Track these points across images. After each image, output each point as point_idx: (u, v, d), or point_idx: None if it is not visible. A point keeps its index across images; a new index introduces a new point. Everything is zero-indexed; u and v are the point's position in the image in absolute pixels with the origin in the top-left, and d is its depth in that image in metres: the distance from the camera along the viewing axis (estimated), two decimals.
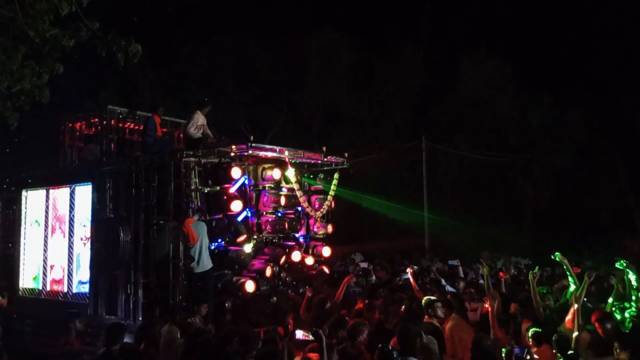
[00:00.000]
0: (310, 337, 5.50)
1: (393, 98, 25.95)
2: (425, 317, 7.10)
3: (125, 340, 6.50)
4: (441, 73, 25.20)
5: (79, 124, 11.48)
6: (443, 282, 10.48)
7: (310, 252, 10.38)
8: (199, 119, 9.98)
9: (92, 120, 11.24)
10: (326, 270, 10.27)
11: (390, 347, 5.47)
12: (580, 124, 23.50)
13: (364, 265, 13.08)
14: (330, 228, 10.64)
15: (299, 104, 26.13)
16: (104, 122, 10.59)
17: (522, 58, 24.14)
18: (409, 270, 9.52)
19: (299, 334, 5.82)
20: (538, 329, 6.30)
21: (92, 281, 9.66)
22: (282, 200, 9.93)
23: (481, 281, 9.90)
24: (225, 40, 25.17)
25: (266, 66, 25.15)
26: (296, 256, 9.77)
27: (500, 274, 9.74)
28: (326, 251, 10.44)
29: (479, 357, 5.70)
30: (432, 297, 7.56)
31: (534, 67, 24.16)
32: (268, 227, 9.59)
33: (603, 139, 23.22)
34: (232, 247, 9.37)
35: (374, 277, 11.85)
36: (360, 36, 25.86)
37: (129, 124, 11.02)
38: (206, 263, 8.53)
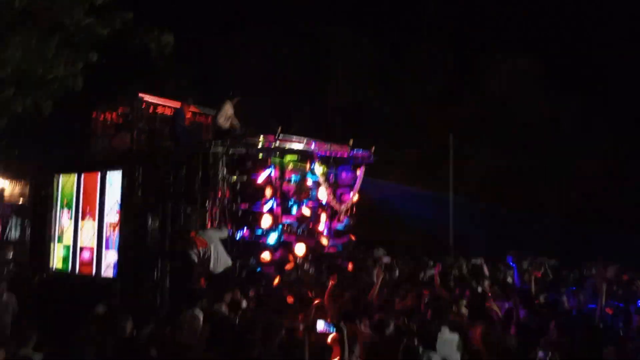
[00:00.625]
0: (332, 330, 5.54)
1: (419, 95, 25.74)
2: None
3: (150, 325, 6.63)
4: (469, 71, 24.89)
5: (110, 112, 11.71)
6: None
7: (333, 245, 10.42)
8: (229, 109, 10.07)
9: (123, 109, 11.46)
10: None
11: (414, 342, 5.48)
12: (609, 127, 23.02)
13: (387, 259, 13.05)
14: (353, 221, 10.66)
15: (325, 101, 26.10)
16: (135, 111, 10.78)
17: (552, 58, 23.70)
18: (436, 268, 9.51)
19: (321, 325, 5.86)
20: None
21: (120, 265, 9.87)
22: (308, 192, 9.98)
23: (509, 279, 9.83)
24: (252, 34, 25.28)
25: (292, 61, 25.17)
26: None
27: (535, 273, 9.67)
28: (350, 245, 10.48)
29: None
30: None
31: (564, 67, 23.71)
32: (293, 218, 9.66)
33: (632, 143, 22.72)
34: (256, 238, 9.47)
35: (397, 272, 11.83)
36: (387, 33, 25.67)
37: (159, 113, 11.19)
38: (224, 261, 8.58)
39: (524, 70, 24.38)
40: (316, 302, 7.73)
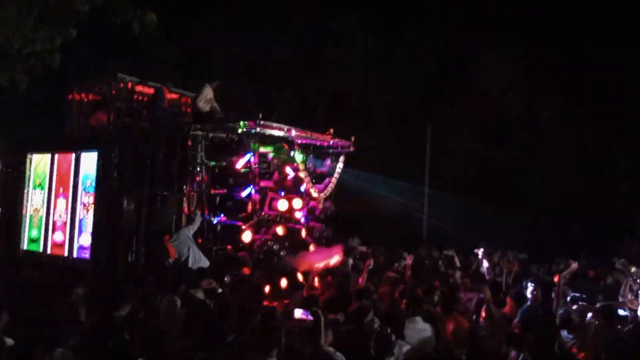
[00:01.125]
0: (309, 317, 5.55)
1: (401, 86, 25.81)
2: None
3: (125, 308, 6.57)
4: (453, 65, 25.04)
5: (87, 90, 11.48)
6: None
7: (311, 233, 10.41)
8: (209, 92, 9.97)
9: (101, 88, 11.24)
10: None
11: (388, 330, 5.53)
12: (587, 124, 23.45)
13: (363, 249, 13.13)
14: (332, 209, 10.68)
15: (306, 87, 26.01)
16: (113, 91, 10.58)
17: (534, 54, 23.97)
18: (409, 258, 9.60)
19: (298, 312, 5.87)
20: None
21: (93, 247, 9.74)
22: (286, 180, 9.95)
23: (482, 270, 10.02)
24: (236, 18, 25.00)
25: (276, 47, 24.99)
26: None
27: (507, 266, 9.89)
28: (327, 233, 10.49)
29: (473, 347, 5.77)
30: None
31: (546, 63, 24.01)
32: (271, 205, 9.62)
33: (609, 140, 23.20)
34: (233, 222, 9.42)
35: (372, 261, 11.90)
36: (373, 22, 25.64)
37: (137, 95, 11.01)
38: (203, 262, 8.54)
39: (506, 64, 24.63)
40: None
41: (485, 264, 9.96)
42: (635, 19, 21.05)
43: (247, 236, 8.88)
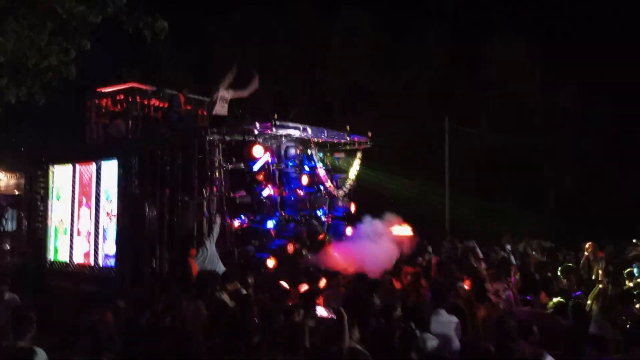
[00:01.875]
0: (332, 315, 5.56)
1: (416, 79, 25.63)
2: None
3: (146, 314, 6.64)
4: (467, 54, 24.79)
5: (105, 100, 11.62)
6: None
7: (332, 231, 10.43)
8: (223, 93, 9.94)
9: (118, 97, 11.37)
10: None
11: (412, 326, 5.51)
12: (607, 108, 23.06)
13: None
14: (353, 207, 10.67)
15: (321, 84, 25.97)
16: (130, 99, 10.70)
17: (549, 41, 23.62)
18: (434, 259, 9.61)
19: (320, 310, 5.88)
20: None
21: (118, 255, 9.85)
22: (305, 179, 9.97)
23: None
24: (247, 18, 25.08)
25: (289, 45, 25.00)
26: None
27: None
28: (348, 231, 10.48)
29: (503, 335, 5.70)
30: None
31: (561, 50, 23.64)
32: (291, 205, 9.65)
33: (629, 123, 22.77)
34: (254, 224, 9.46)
35: None
36: (384, 15, 25.51)
37: (154, 101, 11.12)
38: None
39: (521, 53, 24.30)
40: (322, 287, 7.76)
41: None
42: None
43: (270, 263, 8.88)
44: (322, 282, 8.68)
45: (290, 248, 9.18)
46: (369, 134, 10.64)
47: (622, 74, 21.92)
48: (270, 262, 8.85)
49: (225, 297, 7.05)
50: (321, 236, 9.85)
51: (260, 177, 9.03)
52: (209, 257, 8.34)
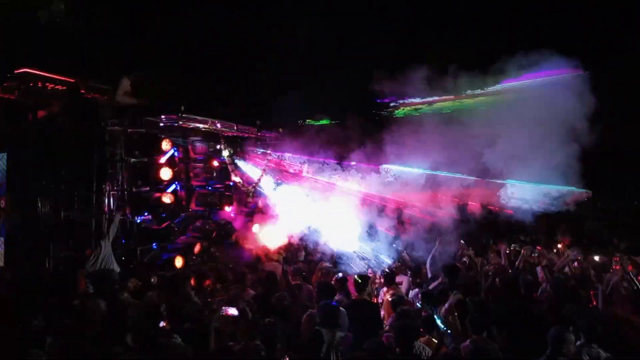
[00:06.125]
0: (236, 313, 5.45)
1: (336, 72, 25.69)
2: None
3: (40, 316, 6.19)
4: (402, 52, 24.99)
5: None
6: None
7: (241, 227, 10.23)
8: (127, 85, 9.51)
9: (10, 84, 10.47)
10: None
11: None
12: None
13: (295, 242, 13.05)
14: (261, 202, 10.53)
15: (238, 78, 25.50)
16: (22, 87, 9.88)
17: None
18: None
19: (226, 309, 5.75)
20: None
21: (7, 254, 9.08)
22: (213, 174, 9.71)
23: None
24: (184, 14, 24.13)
25: (203, 37, 24.34)
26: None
27: None
28: (255, 227, 10.33)
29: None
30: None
31: None
32: (198, 201, 9.35)
33: None
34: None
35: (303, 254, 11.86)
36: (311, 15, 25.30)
37: (51, 91, 10.34)
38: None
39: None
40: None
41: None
42: None
43: (177, 262, 8.52)
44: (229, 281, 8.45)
45: (198, 247, 8.89)
46: (280, 130, 10.55)
47: None
48: (177, 261, 8.51)
49: (126, 296, 6.69)
50: (231, 232, 9.63)
51: (166, 171, 8.64)
52: (104, 257, 7.84)
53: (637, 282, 6.64)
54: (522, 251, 8.31)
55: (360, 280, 6.60)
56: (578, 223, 13.50)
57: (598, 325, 5.09)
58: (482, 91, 8.89)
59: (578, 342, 4.97)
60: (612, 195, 14.15)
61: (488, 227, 11.57)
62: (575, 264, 8.06)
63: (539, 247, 9.43)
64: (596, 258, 8.73)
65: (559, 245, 10.32)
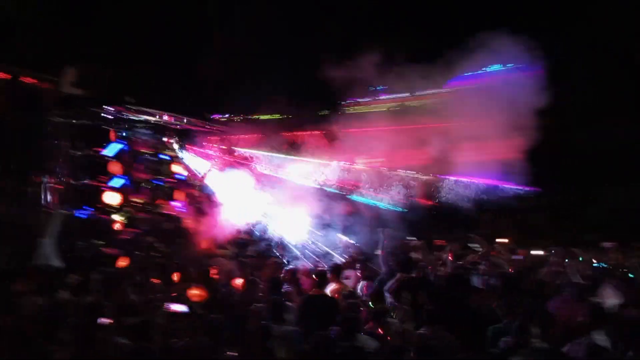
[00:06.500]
0: (182, 310, 5.39)
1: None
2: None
3: None
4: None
5: None
6: None
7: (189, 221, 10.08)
8: (72, 76, 9.19)
9: None
10: None
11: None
12: None
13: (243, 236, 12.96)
14: (209, 196, 10.39)
15: (186, 70, 25.03)
16: None
17: None
18: None
19: (173, 306, 5.68)
20: None
21: None
22: (161, 168, 9.53)
23: None
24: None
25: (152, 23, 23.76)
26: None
27: None
28: (203, 221, 10.18)
29: None
30: None
31: None
32: (145, 195, 9.17)
33: None
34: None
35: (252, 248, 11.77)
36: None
37: None
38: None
39: None
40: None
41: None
42: None
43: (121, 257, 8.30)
44: (175, 277, 8.30)
45: (143, 242, 8.71)
46: (230, 122, 10.41)
47: None
48: (121, 257, 8.30)
49: (66, 293, 6.49)
50: (178, 226, 9.47)
51: (112, 165, 8.43)
52: (45, 253, 7.56)
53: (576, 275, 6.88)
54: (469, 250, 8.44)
55: (318, 277, 6.64)
56: (522, 217, 13.93)
57: (537, 316, 5.28)
58: (433, 90, 9.01)
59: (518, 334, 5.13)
60: (557, 190, 14.63)
61: (434, 221, 11.79)
62: (519, 257, 8.31)
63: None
64: (537, 252, 9.03)
65: (503, 240, 10.61)
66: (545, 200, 14.19)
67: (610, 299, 6.26)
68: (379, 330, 5.75)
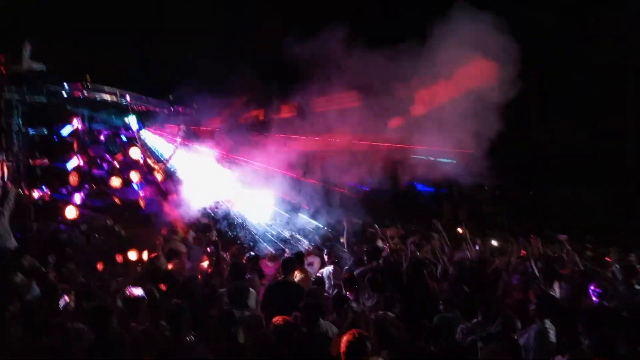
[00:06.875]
0: (141, 294, 5.28)
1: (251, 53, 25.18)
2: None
3: None
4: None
5: None
6: None
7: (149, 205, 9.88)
8: (28, 49, 8.79)
9: None
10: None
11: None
12: None
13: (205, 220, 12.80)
14: (171, 180, 10.19)
15: (150, 52, 24.32)
16: None
17: None
18: None
19: (132, 290, 5.56)
20: None
21: None
22: (120, 149, 9.29)
23: None
24: None
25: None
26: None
27: None
28: (165, 206, 10.01)
29: None
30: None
31: None
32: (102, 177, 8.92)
33: None
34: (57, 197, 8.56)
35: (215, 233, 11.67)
36: None
37: None
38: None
39: None
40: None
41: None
42: None
43: (70, 212, 8.06)
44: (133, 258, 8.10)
45: (101, 224, 8.49)
46: (195, 105, 10.19)
47: None
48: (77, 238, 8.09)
49: (19, 277, 6.26)
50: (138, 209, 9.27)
51: (68, 144, 8.15)
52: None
53: (532, 265, 7.04)
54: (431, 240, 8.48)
55: (285, 264, 6.60)
56: (477, 208, 14.27)
57: (493, 306, 5.42)
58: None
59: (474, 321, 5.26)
60: (516, 185, 14.98)
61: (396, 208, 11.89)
62: (476, 247, 8.45)
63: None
64: (493, 242, 9.21)
65: (459, 230, 10.78)
66: (505, 194, 14.59)
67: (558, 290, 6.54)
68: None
